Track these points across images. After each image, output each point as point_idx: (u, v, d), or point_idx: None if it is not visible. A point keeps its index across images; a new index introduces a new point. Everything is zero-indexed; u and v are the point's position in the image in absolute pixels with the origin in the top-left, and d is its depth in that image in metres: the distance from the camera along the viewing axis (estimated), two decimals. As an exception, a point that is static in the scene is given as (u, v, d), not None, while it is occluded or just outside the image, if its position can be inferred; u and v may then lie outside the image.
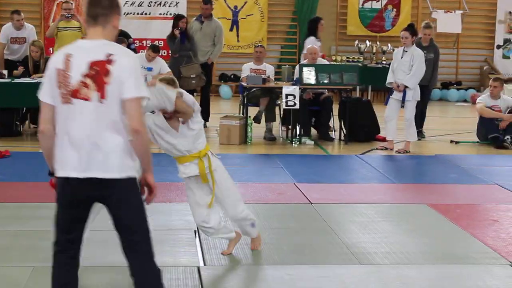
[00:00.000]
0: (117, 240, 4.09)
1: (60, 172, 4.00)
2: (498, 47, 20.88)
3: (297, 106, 11.84)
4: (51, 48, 14.62)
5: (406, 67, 11.46)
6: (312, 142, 12.21)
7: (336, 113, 12.80)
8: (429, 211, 7.82)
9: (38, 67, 12.53)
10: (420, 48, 12.02)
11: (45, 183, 8.51)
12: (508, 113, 12.57)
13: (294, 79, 12.57)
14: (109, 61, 3.93)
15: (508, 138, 12.25)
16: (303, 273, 5.75)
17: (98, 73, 3.92)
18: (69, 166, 3.96)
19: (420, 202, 8.20)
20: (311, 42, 13.41)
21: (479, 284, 5.64)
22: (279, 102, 12.64)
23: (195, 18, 14.05)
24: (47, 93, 4.02)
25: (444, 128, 13.01)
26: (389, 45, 18.82)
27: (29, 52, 12.73)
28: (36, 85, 11.66)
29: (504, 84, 13.52)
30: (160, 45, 14.97)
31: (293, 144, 12.09)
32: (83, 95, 3.93)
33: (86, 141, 3.93)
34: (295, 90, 11.87)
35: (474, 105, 14.25)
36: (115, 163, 3.94)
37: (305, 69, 12.34)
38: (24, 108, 12.68)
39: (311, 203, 8.02)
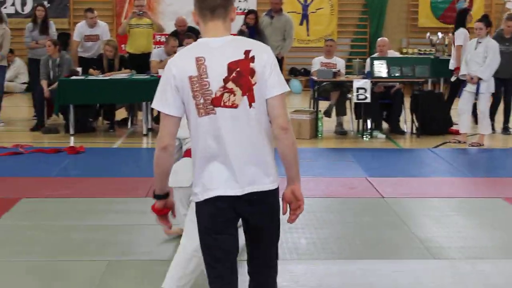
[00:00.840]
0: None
1: (208, 193, 3.46)
2: None
3: (368, 100, 11.76)
4: (123, 45, 14.80)
5: (480, 58, 11.27)
6: (384, 136, 12.11)
7: (407, 106, 12.67)
8: (504, 205, 7.68)
9: (113, 66, 12.73)
10: (502, 40, 11.79)
11: (119, 178, 8.73)
12: None
13: (365, 72, 12.48)
14: (251, 59, 3.46)
15: None
16: (376, 267, 5.71)
17: (241, 74, 3.43)
18: (217, 184, 3.45)
19: (494, 196, 8.06)
20: (462, 34, 13.06)
21: (557, 279, 5.52)
22: (350, 95, 12.57)
23: (265, 13, 14.07)
24: (172, 104, 3.45)
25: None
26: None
27: (103, 51, 12.92)
28: (110, 82, 12.02)
29: None
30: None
31: (364, 138, 12.01)
32: (230, 102, 3.42)
33: (239, 153, 3.44)
34: (366, 83, 11.78)
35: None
36: (272, 173, 3.51)
37: (376, 62, 12.24)
38: (98, 105, 12.89)
39: (383, 197, 7.96)
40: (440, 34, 18.67)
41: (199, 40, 3.54)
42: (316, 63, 12.93)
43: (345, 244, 6.33)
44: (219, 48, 3.45)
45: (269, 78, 3.46)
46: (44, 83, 12.56)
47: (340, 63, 12.97)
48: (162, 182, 3.62)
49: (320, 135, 12.09)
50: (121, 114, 13.41)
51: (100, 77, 12.32)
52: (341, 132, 12.42)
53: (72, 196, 7.93)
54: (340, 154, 10.68)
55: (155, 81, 11.88)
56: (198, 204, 3.52)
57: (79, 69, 12.70)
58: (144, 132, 12.21)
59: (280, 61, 13.77)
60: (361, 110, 12.26)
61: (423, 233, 6.65)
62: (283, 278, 5.42)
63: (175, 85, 3.42)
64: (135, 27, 13.61)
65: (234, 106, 3.41)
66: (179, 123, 3.50)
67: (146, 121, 12.28)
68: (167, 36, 13.27)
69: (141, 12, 13.57)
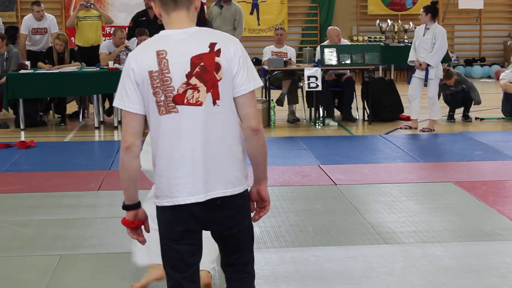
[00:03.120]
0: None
1: (167, 200, 3.24)
2: (522, 21, 20.68)
3: (320, 88, 11.81)
4: (72, 38, 14.65)
5: (428, 45, 11.37)
6: (336, 123, 12.19)
7: (359, 93, 12.75)
8: (455, 189, 7.78)
9: (63, 59, 12.59)
10: None
11: (70, 172, 8.66)
12: (533, 87, 12.47)
13: (316, 60, 12.52)
14: (216, 52, 3.21)
15: (533, 113, 12.16)
16: (329, 254, 5.75)
17: (206, 69, 3.18)
18: (179, 191, 3.22)
19: (445, 180, 8.15)
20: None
21: (506, 260, 5.60)
22: (301, 84, 12.61)
23: (214, 3, 14.03)
24: (133, 100, 3.21)
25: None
26: (410, 23, 18.68)
27: (53, 45, 12.78)
28: (59, 75, 11.90)
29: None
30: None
31: (317, 126, 12.07)
32: (194, 100, 3.18)
33: (203, 156, 3.21)
34: (317, 71, 11.83)
35: (498, 81, 14.11)
36: (239, 176, 3.29)
37: (326, 50, 12.29)
38: (48, 99, 12.76)
39: (336, 184, 8.01)
40: (389, 21, 18.84)
41: (161, 32, 3.28)
42: (267, 52, 12.96)
43: (298, 232, 6.35)
44: (182, 41, 3.21)
45: (238, 74, 3.23)
46: (-8, 77, 12.39)
47: (290, 51, 13.02)
48: (130, 189, 3.31)
49: (272, 124, 12.11)
50: (72, 107, 13.29)
51: (49, 70, 12.18)
52: (293, 121, 12.46)
53: (23, 191, 7.85)
54: (292, 142, 10.72)
55: (105, 74, 11.97)
56: (158, 208, 3.31)
57: (28, 63, 12.55)
58: (96, 125, 12.12)
59: None
60: (313, 98, 12.31)
61: (375, 218, 6.70)
62: (237, 267, 5.43)
63: (135, 80, 3.19)
64: (83, 20, 13.48)
65: (198, 103, 3.18)
66: (143, 121, 3.25)
67: (98, 114, 12.19)
68: (114, 28, 13.15)
69: (88, 4, 13.45)
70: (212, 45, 3.20)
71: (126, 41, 12.87)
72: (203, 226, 3.32)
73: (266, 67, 12.42)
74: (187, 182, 3.20)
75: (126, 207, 3.35)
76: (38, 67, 12.41)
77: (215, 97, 3.19)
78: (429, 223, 6.57)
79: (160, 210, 3.29)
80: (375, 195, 7.57)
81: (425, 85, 11.45)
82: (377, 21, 18.89)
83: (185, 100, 3.17)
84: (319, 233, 6.32)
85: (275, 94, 12.51)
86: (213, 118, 3.20)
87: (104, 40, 13.97)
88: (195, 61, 3.17)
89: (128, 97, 3.21)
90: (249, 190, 3.40)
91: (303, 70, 12.07)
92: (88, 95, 12.71)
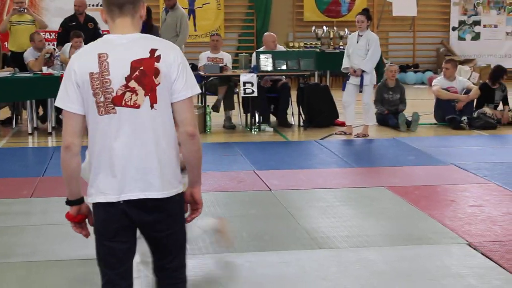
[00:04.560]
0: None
1: (100, 197, 3.34)
2: (454, 29, 21.07)
3: (255, 94, 11.85)
4: (6, 43, 14.44)
5: (362, 51, 11.49)
6: (272, 129, 12.24)
7: (294, 99, 12.82)
8: (388, 193, 7.88)
9: (-4, 64, 12.42)
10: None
11: (2, 179, 8.51)
12: (464, 94, 12.71)
13: (252, 66, 12.56)
14: (156, 58, 3.30)
15: (464, 119, 12.39)
16: (263, 259, 5.76)
17: (145, 73, 3.28)
18: (113, 189, 3.32)
19: (378, 185, 8.25)
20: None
21: (437, 264, 5.69)
22: (237, 90, 12.63)
23: (164, 8, 13.91)
24: (76, 101, 3.30)
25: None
26: (346, 30, 18.86)
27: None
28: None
29: (460, 65, 13.66)
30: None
31: (253, 132, 12.10)
32: (132, 102, 3.28)
33: (137, 156, 3.31)
34: (252, 77, 11.86)
35: (431, 88, 14.35)
36: (172, 179, 3.38)
37: (262, 56, 12.34)
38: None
39: (271, 189, 8.04)
40: (325, 28, 19.00)
41: (105, 36, 3.41)
42: (203, 58, 12.96)
43: (233, 237, 6.35)
44: (124, 45, 3.31)
45: (177, 80, 3.32)
46: None
47: (226, 57, 13.04)
48: (71, 186, 3.40)
49: (208, 130, 12.11)
50: (5, 113, 13.08)
51: (-18, 75, 11.98)
52: (229, 127, 12.48)
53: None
54: (228, 148, 10.73)
55: (39, 79, 11.81)
56: (93, 206, 3.41)
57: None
58: (30, 131, 11.95)
59: None
60: (248, 104, 12.34)
61: (309, 224, 6.75)
62: (171, 274, 5.41)
63: (76, 81, 3.28)
64: (16, 25, 13.29)
65: (135, 106, 3.28)
66: (83, 122, 3.33)
67: (31, 120, 12.02)
68: (33, 33, 12.92)
69: (22, 9, 13.26)
70: (152, 51, 3.30)
71: (56, 49, 12.75)
72: (137, 226, 3.41)
73: (202, 72, 12.40)
74: (119, 181, 3.30)
75: (69, 203, 3.45)
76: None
77: (153, 101, 3.28)
78: (363, 228, 6.65)
79: (95, 207, 3.38)
80: (309, 201, 7.62)
81: (360, 91, 11.58)
82: (313, 28, 19.04)
83: (123, 102, 3.27)
84: (254, 239, 6.34)
85: (211, 100, 12.51)
86: (150, 121, 3.29)
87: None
88: (135, 65, 3.27)
89: (69, 98, 3.30)
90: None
91: (239, 76, 12.09)
92: (22, 101, 12.52)
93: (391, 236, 6.42)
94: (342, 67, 11.79)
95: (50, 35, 17.20)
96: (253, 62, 12.60)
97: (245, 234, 6.46)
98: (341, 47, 18.51)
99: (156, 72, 3.29)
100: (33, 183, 8.18)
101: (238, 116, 12.87)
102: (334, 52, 18.37)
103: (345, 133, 11.84)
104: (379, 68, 12.57)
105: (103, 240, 3.39)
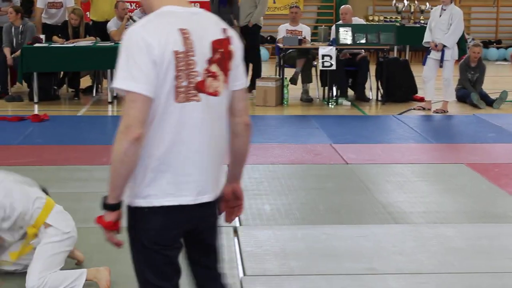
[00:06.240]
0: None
1: (168, 199, 2.89)
2: (539, 3, 20.52)
3: (334, 67, 11.77)
4: (88, 13, 14.63)
5: (444, 26, 11.30)
6: (349, 103, 12.15)
7: (373, 73, 12.70)
8: (467, 170, 7.75)
9: (78, 33, 12.58)
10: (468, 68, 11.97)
11: (83, 146, 8.68)
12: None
13: (331, 39, 12.47)
14: (229, 40, 2.94)
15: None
16: (340, 232, 5.75)
17: (224, 57, 2.90)
18: (189, 189, 2.90)
19: (457, 162, 8.13)
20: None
21: (517, 242, 5.60)
22: (315, 63, 12.56)
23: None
24: (151, 81, 2.76)
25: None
26: (427, 4, 18.55)
27: (68, 19, 12.75)
28: (74, 50, 11.90)
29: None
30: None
31: (330, 105, 12.04)
32: (213, 89, 2.89)
33: (217, 152, 2.98)
34: (331, 50, 11.78)
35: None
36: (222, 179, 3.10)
37: (341, 29, 12.23)
38: (62, 73, 12.77)
39: (348, 163, 8.00)
40: (406, 2, 18.72)
41: (167, 7, 2.88)
42: (282, 30, 12.91)
43: (309, 210, 6.36)
44: (197, 21, 2.88)
45: (239, 66, 2.99)
46: (6, 50, 12.41)
47: (305, 30, 12.97)
48: (124, 186, 2.87)
49: (285, 103, 12.09)
50: (86, 82, 13.30)
51: (64, 44, 12.18)
52: (306, 100, 12.43)
53: (35, 164, 7.87)
54: (305, 121, 10.70)
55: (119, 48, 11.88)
56: (146, 211, 2.91)
57: (43, 36, 12.53)
58: (109, 100, 12.12)
59: (253, 29, 13.29)
60: (326, 77, 12.26)
61: (386, 198, 6.70)
62: (248, 243, 5.45)
63: (153, 59, 2.76)
64: (97, -6, 13.43)
65: (215, 93, 2.89)
66: (150, 110, 2.80)
67: (111, 89, 12.19)
68: (118, 1, 13.04)
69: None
70: (224, 31, 2.95)
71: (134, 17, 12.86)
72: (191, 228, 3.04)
73: (280, 45, 12.37)
74: (197, 180, 2.91)
75: (110, 207, 2.92)
76: (53, 41, 12.40)
77: (226, 88, 2.95)
78: (440, 204, 6.56)
79: (148, 212, 2.90)
80: (386, 175, 7.56)
81: (441, 66, 11.39)
82: (393, 1, 18.77)
83: (205, 89, 2.87)
84: (330, 212, 6.33)
85: (289, 72, 12.47)
86: (221, 112, 2.97)
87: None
88: (216, 46, 2.89)
89: (142, 77, 2.75)
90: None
91: (317, 49, 12.02)
92: (102, 70, 12.70)
93: (470, 213, 6.33)
94: (424, 41, 11.61)
95: (131, 6, 17.34)
96: (332, 35, 12.50)
97: (321, 207, 6.45)
98: (422, 21, 18.22)
99: (231, 56, 2.93)
100: (113, 151, 8.31)
101: (315, 89, 12.81)
102: (414, 26, 18.09)
103: (423, 109, 11.67)
104: (461, 43, 12.30)
105: (159, 249, 2.93)
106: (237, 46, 2.97)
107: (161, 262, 2.95)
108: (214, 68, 2.87)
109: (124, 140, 2.76)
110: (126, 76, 2.78)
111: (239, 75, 2.99)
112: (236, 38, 2.98)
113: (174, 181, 2.87)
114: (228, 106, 2.99)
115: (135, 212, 2.91)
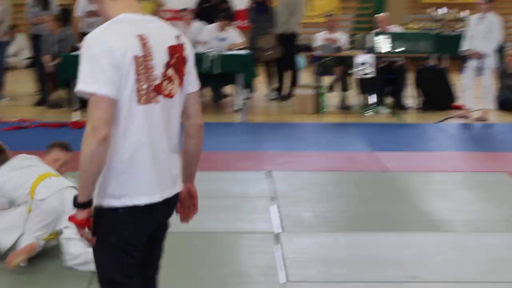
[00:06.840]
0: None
1: (141, 198, 3.00)
2: None
3: (372, 75, 11.73)
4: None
5: (483, 34, 11.23)
6: (388, 111, 12.09)
7: (412, 81, 12.64)
8: (508, 179, 7.68)
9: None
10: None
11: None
12: None
13: (368, 47, 12.43)
14: (182, 46, 3.10)
15: None
16: (382, 239, 5.72)
17: (179, 61, 3.06)
18: (156, 187, 3.02)
19: (498, 170, 8.05)
20: None
21: (562, 252, 5.52)
22: (353, 70, 12.52)
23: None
24: (114, 84, 2.89)
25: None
26: (465, 12, 18.41)
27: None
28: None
29: None
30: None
31: (368, 113, 11.99)
32: (168, 91, 3.03)
33: (171, 150, 3.10)
34: (369, 58, 11.75)
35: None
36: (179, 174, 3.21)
37: (379, 37, 12.20)
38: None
39: (387, 171, 7.96)
40: (440, 10, 18.61)
41: (123, 15, 3.02)
42: (319, 39, 12.90)
43: (350, 217, 6.34)
44: (154, 28, 3.04)
45: (191, 69, 3.14)
46: (46, 58, 12.53)
47: (342, 38, 12.94)
48: (94, 184, 2.95)
49: (323, 110, 12.07)
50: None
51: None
52: (344, 107, 12.41)
53: (75, 170, 7.89)
54: (343, 128, 10.68)
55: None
56: (119, 212, 2.99)
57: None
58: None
59: (290, 37, 13.41)
60: (364, 85, 12.22)
61: (427, 206, 6.65)
62: (290, 250, 5.45)
63: (115, 63, 2.88)
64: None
65: (171, 96, 3.03)
66: (115, 111, 2.91)
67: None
68: (156, 10, 13.17)
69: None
70: (177, 38, 3.09)
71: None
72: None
73: (317, 53, 12.37)
74: (160, 177, 3.03)
75: (83, 205, 2.97)
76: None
77: (180, 91, 3.09)
78: (482, 213, 6.50)
79: (122, 213, 2.99)
80: (427, 183, 7.51)
81: (480, 74, 11.31)
82: (431, 9, 18.67)
83: (162, 91, 3.01)
84: (370, 219, 6.30)
85: (326, 80, 12.44)
86: (175, 112, 3.09)
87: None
88: (172, 51, 3.04)
89: (106, 80, 2.87)
90: None
91: (354, 56, 11.99)
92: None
93: (512, 222, 6.26)
94: (463, 49, 11.54)
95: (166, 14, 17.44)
96: (370, 43, 12.46)
97: (362, 214, 6.43)
98: (460, 29, 18.08)
99: (185, 61, 3.09)
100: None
101: (353, 97, 12.78)
102: (452, 34, 17.97)
103: (463, 117, 11.59)
104: (500, 51, 12.20)
105: (129, 249, 3.04)
106: (189, 52, 3.13)
107: (127, 262, 3.05)
108: (171, 72, 3.03)
109: (92, 141, 2.86)
110: (89, 80, 2.90)
111: (192, 79, 3.15)
112: (188, 44, 3.15)
113: (144, 180, 2.99)
114: (182, 108, 3.14)
115: (107, 213, 3.00)
